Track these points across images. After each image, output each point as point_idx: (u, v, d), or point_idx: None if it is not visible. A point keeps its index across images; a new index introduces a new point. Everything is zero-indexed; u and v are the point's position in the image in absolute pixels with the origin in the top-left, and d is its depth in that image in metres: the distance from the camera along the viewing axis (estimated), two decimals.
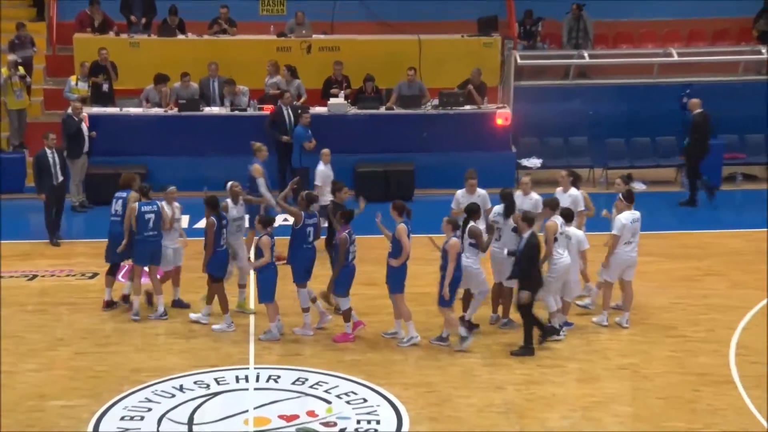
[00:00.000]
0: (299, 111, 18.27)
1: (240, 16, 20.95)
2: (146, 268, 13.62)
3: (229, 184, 13.78)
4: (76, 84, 19.07)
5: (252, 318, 13.56)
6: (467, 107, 19.53)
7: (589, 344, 12.96)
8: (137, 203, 13.36)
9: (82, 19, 20.70)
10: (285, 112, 18.36)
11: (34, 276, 15.15)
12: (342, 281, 12.79)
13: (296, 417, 10.92)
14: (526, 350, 12.60)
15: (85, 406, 11.25)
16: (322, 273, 13.51)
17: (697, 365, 12.35)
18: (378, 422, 10.99)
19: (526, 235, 12.42)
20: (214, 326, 13.18)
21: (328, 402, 11.27)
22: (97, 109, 19.10)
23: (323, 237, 13.94)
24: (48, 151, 16.08)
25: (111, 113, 19.07)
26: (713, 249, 16.27)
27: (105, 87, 19.49)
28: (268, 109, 18.93)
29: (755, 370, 12.23)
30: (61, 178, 16.20)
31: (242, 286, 13.77)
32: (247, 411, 10.82)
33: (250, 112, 19.10)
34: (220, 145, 18.87)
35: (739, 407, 11.37)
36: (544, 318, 12.87)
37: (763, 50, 20.86)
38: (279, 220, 16.84)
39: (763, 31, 21.76)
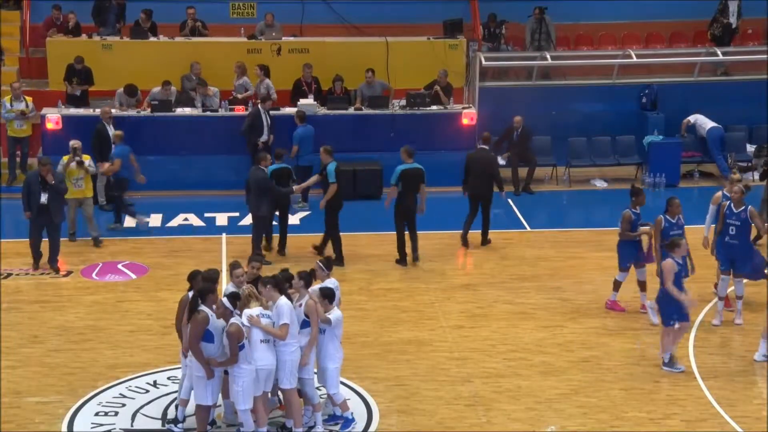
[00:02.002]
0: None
1: (211, 19, 21.02)
2: None
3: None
4: (11, 105, 18.51)
5: None
6: (433, 107, 19.78)
7: (554, 337, 13.31)
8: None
9: (48, 23, 20.72)
10: (263, 116, 18.54)
11: (9, 274, 15.20)
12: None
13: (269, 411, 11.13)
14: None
15: (61, 402, 11.41)
16: None
17: (657, 357, 12.64)
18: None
19: None
20: None
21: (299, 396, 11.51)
22: (73, 111, 19.17)
23: None
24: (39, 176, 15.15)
25: (85, 114, 19.12)
26: None
27: (78, 92, 19.49)
28: (239, 110, 19.13)
29: (713, 361, 12.64)
30: (44, 201, 15.02)
31: None
32: (219, 405, 10.89)
33: (222, 113, 19.28)
34: (193, 146, 19.04)
35: (697, 397, 11.74)
36: None
37: (718, 52, 21.30)
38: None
39: (714, 33, 22.17)
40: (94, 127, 18.10)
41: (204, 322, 10.28)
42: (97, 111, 18.86)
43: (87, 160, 16.47)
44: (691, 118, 20.44)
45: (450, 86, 20.09)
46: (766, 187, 16.98)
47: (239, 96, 19.50)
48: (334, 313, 10.80)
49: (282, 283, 10.61)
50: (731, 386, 12.00)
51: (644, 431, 11.08)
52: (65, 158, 16.42)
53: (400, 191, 15.50)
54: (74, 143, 16.55)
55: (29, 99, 18.68)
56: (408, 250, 15.79)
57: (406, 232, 15.78)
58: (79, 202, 16.29)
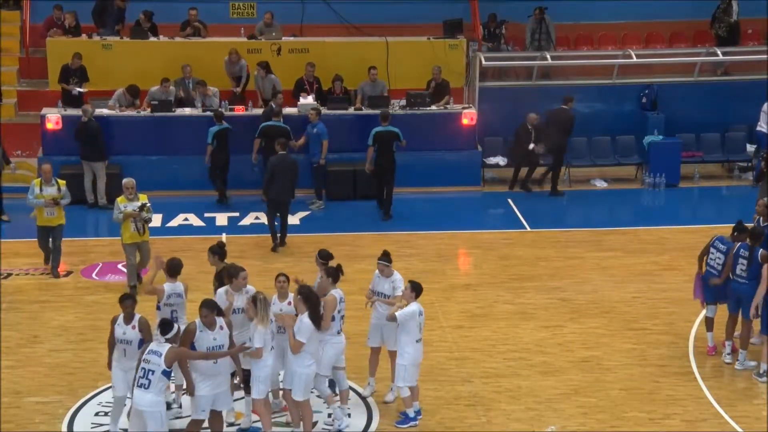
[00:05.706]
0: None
1: (210, 19, 20.99)
2: None
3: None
4: (41, 190, 15.19)
5: None
6: (433, 107, 19.79)
7: (554, 337, 13.33)
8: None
9: (49, 23, 20.70)
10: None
11: (9, 274, 15.22)
12: None
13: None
14: None
15: (60, 402, 11.46)
16: None
17: (657, 357, 12.73)
18: (349, 415, 11.27)
19: None
20: None
21: None
22: (70, 111, 19.14)
23: None
24: None
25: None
26: (671, 244, 16.68)
27: (75, 92, 19.42)
28: (239, 110, 19.13)
29: (713, 361, 12.66)
30: None
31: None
32: None
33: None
34: (193, 145, 19.02)
35: (697, 397, 11.78)
36: None
37: (718, 52, 21.29)
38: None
39: (719, 33, 22.15)
40: (86, 126, 18.08)
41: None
42: (97, 112, 18.76)
43: (143, 200, 14.52)
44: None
45: (446, 82, 20.06)
46: (762, 189, 16.93)
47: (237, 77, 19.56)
48: (407, 308, 10.95)
49: (314, 300, 10.59)
50: (731, 386, 12.02)
51: (644, 431, 11.09)
52: (120, 200, 14.52)
53: (376, 150, 17.57)
54: (127, 182, 14.64)
55: (62, 183, 15.49)
56: None
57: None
58: (137, 246, 14.62)
